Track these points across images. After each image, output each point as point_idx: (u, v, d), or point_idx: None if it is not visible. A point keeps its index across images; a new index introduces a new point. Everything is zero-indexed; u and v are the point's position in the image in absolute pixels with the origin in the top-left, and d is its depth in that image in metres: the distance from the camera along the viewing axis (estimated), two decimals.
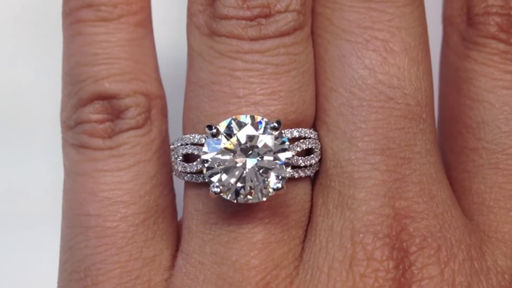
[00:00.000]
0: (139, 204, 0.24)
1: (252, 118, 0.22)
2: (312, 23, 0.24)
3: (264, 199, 0.22)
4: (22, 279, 0.31)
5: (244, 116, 0.22)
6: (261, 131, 0.22)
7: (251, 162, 0.22)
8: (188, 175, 0.23)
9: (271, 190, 0.22)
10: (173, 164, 0.24)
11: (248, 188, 0.22)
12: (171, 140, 0.25)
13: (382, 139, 0.23)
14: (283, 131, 0.22)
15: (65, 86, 0.26)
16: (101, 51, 0.25)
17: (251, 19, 0.23)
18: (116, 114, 0.25)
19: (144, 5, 0.26)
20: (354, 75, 0.23)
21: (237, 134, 0.22)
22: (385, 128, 0.23)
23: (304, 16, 0.23)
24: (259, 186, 0.22)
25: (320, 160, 0.24)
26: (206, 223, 0.23)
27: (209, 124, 0.22)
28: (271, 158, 0.22)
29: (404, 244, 0.22)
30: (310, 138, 0.23)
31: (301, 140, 0.23)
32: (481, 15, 0.24)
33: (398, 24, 0.23)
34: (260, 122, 0.22)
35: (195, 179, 0.23)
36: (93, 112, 0.25)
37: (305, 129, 0.23)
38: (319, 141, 0.23)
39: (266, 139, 0.22)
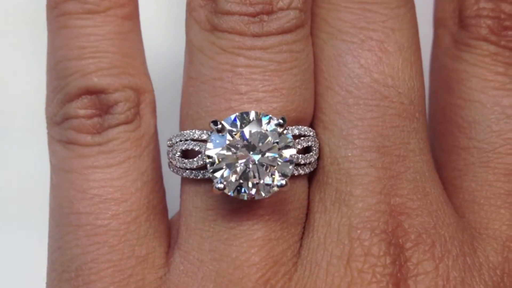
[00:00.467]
0: (130, 201, 0.24)
1: (257, 114, 0.22)
2: None
3: (268, 195, 0.22)
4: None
5: (249, 112, 0.22)
6: (266, 127, 0.22)
7: (255, 159, 0.22)
8: (187, 171, 0.23)
9: (275, 187, 0.22)
10: (170, 160, 0.23)
11: (252, 184, 0.22)
12: (167, 136, 0.25)
13: (378, 137, 0.23)
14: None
15: (51, 80, 0.25)
16: (88, 44, 0.24)
17: (253, 15, 0.23)
18: (104, 109, 0.24)
19: None
20: (350, 74, 0.24)
21: (242, 130, 0.22)
22: (380, 126, 0.23)
23: (305, 14, 0.23)
24: (263, 183, 0.22)
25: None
26: (205, 220, 0.23)
27: (215, 119, 0.22)
28: (276, 154, 0.22)
29: (400, 240, 0.23)
30: (309, 136, 0.23)
31: (302, 138, 0.23)
32: (472, 18, 0.25)
33: (392, 25, 0.24)
34: (265, 119, 0.22)
35: (195, 176, 0.23)
36: (81, 107, 0.24)
37: (305, 127, 0.23)
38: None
39: (271, 136, 0.22)
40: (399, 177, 0.23)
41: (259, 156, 0.22)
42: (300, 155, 0.23)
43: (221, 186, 0.21)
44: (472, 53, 0.25)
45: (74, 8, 0.24)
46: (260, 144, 0.22)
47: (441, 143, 0.25)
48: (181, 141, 0.23)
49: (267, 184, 0.22)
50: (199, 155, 0.23)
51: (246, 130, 0.22)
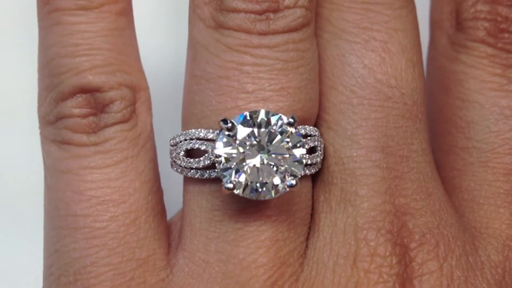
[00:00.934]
0: (129, 203, 0.23)
1: (267, 113, 0.21)
2: None
3: (277, 195, 0.21)
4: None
5: (258, 111, 0.21)
6: (276, 126, 0.22)
7: (265, 158, 0.21)
8: (192, 170, 0.22)
9: (286, 186, 0.21)
10: (174, 159, 0.23)
11: (261, 184, 0.21)
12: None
13: (382, 137, 0.23)
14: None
15: (43, 78, 0.24)
16: (82, 41, 0.24)
17: (259, 13, 0.22)
18: (100, 108, 0.23)
19: None
20: (354, 74, 0.23)
21: (252, 129, 0.21)
22: (385, 126, 0.23)
23: (311, 13, 0.23)
24: (272, 183, 0.21)
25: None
26: (211, 221, 0.22)
27: (224, 118, 0.21)
28: (286, 154, 0.21)
29: (405, 240, 0.23)
30: (315, 136, 0.23)
31: (308, 138, 0.23)
32: (470, 20, 0.25)
33: (395, 26, 0.24)
34: (274, 118, 0.22)
35: (201, 175, 0.22)
36: (76, 106, 0.23)
37: (310, 127, 0.23)
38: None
39: (281, 135, 0.21)
40: (403, 178, 0.23)
41: (269, 155, 0.21)
42: (307, 155, 0.23)
43: (231, 186, 0.21)
44: (469, 54, 0.25)
45: (67, 4, 0.24)
46: (269, 143, 0.21)
47: (439, 143, 0.26)
48: (185, 140, 0.22)
49: (275, 184, 0.21)
50: (206, 154, 0.22)
51: (255, 129, 0.21)
